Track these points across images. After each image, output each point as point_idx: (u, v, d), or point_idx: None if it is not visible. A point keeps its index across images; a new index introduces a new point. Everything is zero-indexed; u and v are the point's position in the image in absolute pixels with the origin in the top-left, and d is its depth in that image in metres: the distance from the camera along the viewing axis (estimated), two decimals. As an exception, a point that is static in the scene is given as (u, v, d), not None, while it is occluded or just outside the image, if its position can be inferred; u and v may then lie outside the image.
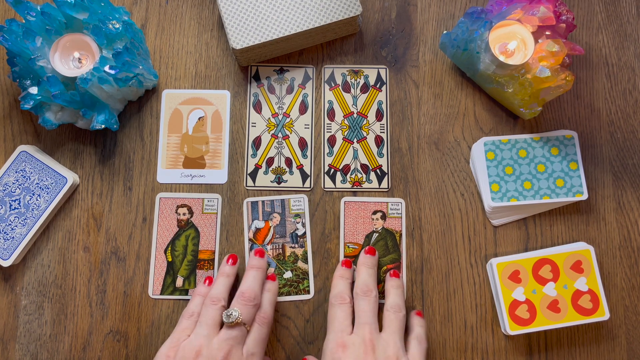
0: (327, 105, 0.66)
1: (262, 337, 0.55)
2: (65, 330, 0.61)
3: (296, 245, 0.63)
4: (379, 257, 0.62)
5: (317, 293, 0.62)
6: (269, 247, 0.63)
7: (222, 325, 0.55)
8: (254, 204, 0.63)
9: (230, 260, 0.60)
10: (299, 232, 0.63)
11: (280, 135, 0.65)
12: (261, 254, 0.60)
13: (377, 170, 0.65)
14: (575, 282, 0.60)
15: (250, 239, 0.63)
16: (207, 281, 0.60)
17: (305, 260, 0.63)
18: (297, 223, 0.63)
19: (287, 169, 0.65)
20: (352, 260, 0.62)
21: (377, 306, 0.57)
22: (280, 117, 0.66)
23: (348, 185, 0.64)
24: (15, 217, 0.62)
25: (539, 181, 0.62)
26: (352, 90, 0.66)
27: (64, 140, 0.65)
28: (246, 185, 0.64)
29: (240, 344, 0.53)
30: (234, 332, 0.53)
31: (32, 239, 0.62)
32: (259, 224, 0.63)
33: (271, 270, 0.62)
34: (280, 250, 0.63)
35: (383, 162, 0.65)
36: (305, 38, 0.65)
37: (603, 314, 0.59)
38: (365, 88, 0.66)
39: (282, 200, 0.64)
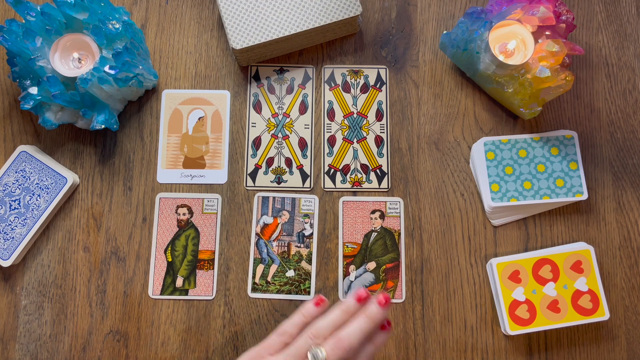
0: (327, 105, 0.66)
1: None
2: (65, 330, 0.61)
3: (302, 245, 0.63)
4: (378, 257, 0.62)
5: (317, 293, 0.62)
6: (274, 243, 0.63)
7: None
8: (265, 199, 0.64)
9: (363, 299, 0.51)
10: (306, 233, 0.63)
11: (280, 135, 0.65)
12: (386, 303, 0.51)
13: (377, 170, 0.65)
14: (575, 282, 0.60)
15: (257, 233, 0.63)
16: (318, 302, 0.52)
17: (309, 261, 0.63)
18: (306, 223, 0.63)
19: (287, 169, 0.65)
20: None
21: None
22: (280, 117, 0.66)
23: (348, 185, 0.64)
24: (15, 217, 0.62)
25: (539, 181, 0.62)
26: (352, 90, 0.66)
27: (64, 140, 0.65)
28: (246, 185, 0.64)
29: None
30: None
31: (32, 239, 0.62)
32: (268, 219, 0.63)
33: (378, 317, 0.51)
34: (286, 248, 0.63)
35: (383, 162, 0.65)
36: (305, 38, 0.65)
37: (603, 314, 0.59)
38: (365, 88, 0.66)
39: (293, 199, 0.64)
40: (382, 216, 0.63)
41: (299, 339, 0.50)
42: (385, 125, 0.66)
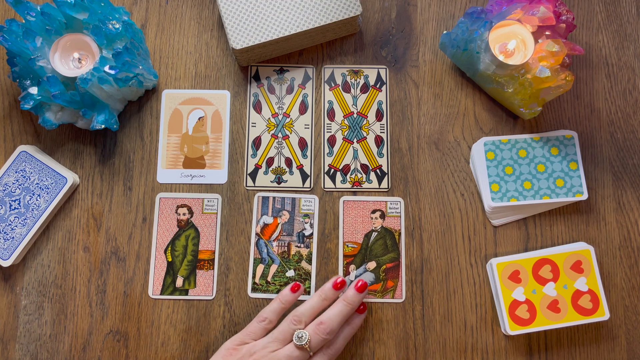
0: (327, 105, 0.66)
1: None
2: (65, 330, 0.61)
3: (302, 245, 0.63)
4: (378, 257, 0.62)
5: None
6: (274, 243, 0.63)
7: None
8: (265, 199, 0.64)
9: (339, 285, 0.58)
10: (306, 233, 0.63)
11: (280, 135, 0.65)
12: (361, 289, 0.57)
13: (377, 170, 0.65)
14: (575, 282, 0.60)
15: (257, 233, 0.63)
16: (294, 288, 0.58)
17: (310, 261, 0.63)
18: (306, 223, 0.63)
19: (287, 169, 0.65)
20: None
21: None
22: (280, 117, 0.66)
23: (348, 185, 0.64)
24: (15, 217, 0.62)
25: (539, 181, 0.62)
26: (352, 90, 0.66)
27: (64, 140, 0.65)
28: (246, 186, 0.64)
29: None
30: (297, 352, 0.54)
31: (32, 239, 0.62)
32: (268, 219, 0.63)
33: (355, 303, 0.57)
34: (286, 248, 0.63)
35: (383, 162, 0.65)
36: (305, 38, 0.65)
37: (603, 314, 0.59)
38: (365, 88, 0.66)
39: (293, 199, 0.64)
40: (383, 216, 0.63)
41: (282, 323, 0.56)
42: (385, 125, 0.66)
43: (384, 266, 0.62)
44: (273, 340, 0.55)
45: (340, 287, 0.58)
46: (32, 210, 0.62)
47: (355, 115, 0.66)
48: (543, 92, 0.59)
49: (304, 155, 0.65)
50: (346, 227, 0.63)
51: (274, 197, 0.64)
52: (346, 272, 0.62)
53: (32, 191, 0.62)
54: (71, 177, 0.63)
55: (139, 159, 0.65)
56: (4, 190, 0.62)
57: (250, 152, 0.65)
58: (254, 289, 0.62)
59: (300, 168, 0.65)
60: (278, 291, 0.62)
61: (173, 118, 0.66)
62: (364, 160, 0.65)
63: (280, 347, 0.54)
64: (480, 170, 0.63)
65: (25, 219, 0.62)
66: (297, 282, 0.59)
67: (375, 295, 0.62)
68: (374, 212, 0.64)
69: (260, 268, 0.62)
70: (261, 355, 0.54)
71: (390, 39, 0.67)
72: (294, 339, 0.54)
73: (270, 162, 0.65)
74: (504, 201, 0.61)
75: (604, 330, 0.61)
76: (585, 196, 0.61)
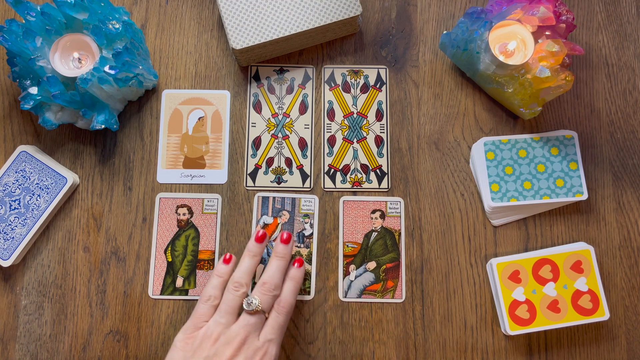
0: (327, 105, 0.66)
1: (280, 324, 0.55)
2: (65, 330, 0.61)
3: (302, 245, 0.63)
4: (378, 257, 0.62)
5: (317, 293, 0.62)
6: (274, 243, 0.63)
7: (241, 310, 0.55)
8: (265, 199, 0.64)
9: (260, 238, 0.58)
10: (306, 233, 0.63)
11: (280, 135, 0.65)
12: (287, 240, 0.58)
13: (377, 171, 0.65)
14: (575, 282, 0.60)
15: None
16: (226, 260, 0.57)
17: (309, 261, 0.63)
18: (306, 223, 0.63)
19: (287, 169, 0.65)
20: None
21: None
22: (280, 117, 0.66)
23: (348, 185, 0.64)
24: (15, 217, 0.62)
25: (539, 181, 0.62)
26: (352, 90, 0.66)
27: (64, 140, 0.65)
28: (246, 186, 0.64)
29: (257, 331, 0.54)
30: (253, 319, 0.54)
31: (32, 239, 0.62)
32: (268, 219, 0.63)
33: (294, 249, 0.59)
34: None
35: (383, 162, 0.65)
36: (305, 38, 0.65)
37: (603, 314, 0.59)
38: (365, 88, 0.66)
39: (293, 199, 0.64)
40: (383, 216, 0.63)
41: (225, 295, 0.55)
42: (385, 125, 0.66)
43: (384, 266, 0.62)
44: (221, 314, 0.54)
45: (262, 239, 0.57)
46: (32, 210, 0.62)
47: (355, 115, 0.66)
48: (543, 92, 0.59)
49: (304, 155, 0.65)
50: (346, 227, 0.63)
51: (274, 197, 0.64)
52: (346, 272, 0.62)
53: (32, 191, 0.62)
54: (71, 177, 0.63)
55: (139, 159, 0.65)
56: (4, 190, 0.62)
57: (250, 152, 0.65)
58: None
59: (300, 168, 0.65)
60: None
61: (173, 118, 0.66)
62: (364, 160, 0.65)
63: (232, 319, 0.54)
64: (480, 170, 0.63)
65: (25, 219, 0.62)
66: (229, 254, 0.58)
67: (375, 295, 0.62)
68: (374, 212, 0.64)
69: (260, 268, 0.62)
70: (218, 333, 0.53)
71: (390, 39, 0.67)
72: (244, 306, 0.54)
73: (270, 162, 0.65)
74: (504, 201, 0.61)
75: (604, 330, 0.61)
76: (585, 196, 0.61)
